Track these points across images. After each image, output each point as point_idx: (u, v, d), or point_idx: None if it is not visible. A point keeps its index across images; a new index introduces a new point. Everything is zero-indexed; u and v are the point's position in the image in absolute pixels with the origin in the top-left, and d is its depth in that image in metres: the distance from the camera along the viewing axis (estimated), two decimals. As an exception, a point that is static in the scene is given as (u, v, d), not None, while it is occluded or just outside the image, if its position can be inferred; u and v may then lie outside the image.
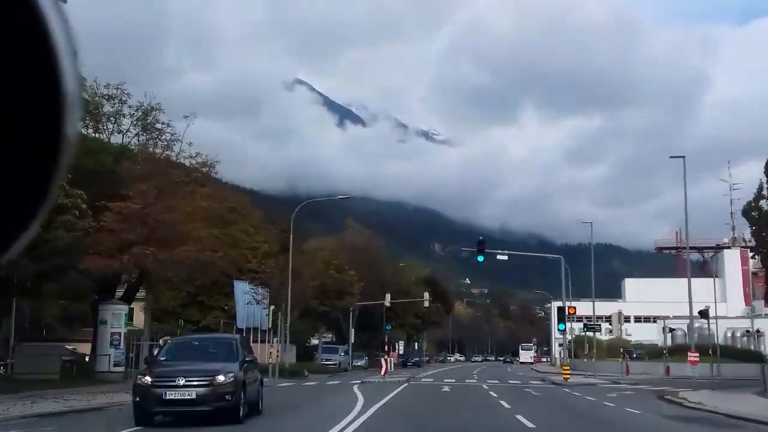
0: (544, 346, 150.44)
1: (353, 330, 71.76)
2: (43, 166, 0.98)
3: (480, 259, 38.99)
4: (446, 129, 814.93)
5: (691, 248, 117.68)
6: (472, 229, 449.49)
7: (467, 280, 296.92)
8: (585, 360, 78.38)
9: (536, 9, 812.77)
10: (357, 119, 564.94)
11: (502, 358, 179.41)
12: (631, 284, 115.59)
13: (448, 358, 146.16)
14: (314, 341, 75.22)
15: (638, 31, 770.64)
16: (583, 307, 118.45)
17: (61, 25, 0.95)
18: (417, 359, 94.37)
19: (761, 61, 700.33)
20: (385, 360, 49.53)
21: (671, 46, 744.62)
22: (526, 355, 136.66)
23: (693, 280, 51.09)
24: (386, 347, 71.56)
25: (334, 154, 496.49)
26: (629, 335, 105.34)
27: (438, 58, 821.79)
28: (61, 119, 0.97)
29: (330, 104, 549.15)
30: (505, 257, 53.35)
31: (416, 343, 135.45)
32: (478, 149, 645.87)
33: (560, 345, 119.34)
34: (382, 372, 46.73)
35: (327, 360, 59.89)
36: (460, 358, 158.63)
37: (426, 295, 72.87)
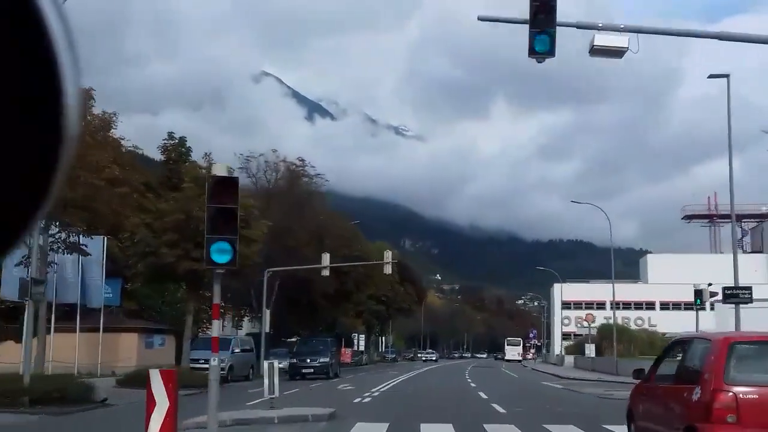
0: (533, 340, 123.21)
1: (268, 312, 43.65)
2: (43, 163, 0.94)
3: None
4: (417, 123, 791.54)
5: (726, 217, 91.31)
6: (441, 224, 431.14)
7: (438, 276, 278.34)
8: (617, 357, 50.85)
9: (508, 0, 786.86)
10: (326, 113, 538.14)
11: (482, 355, 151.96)
12: (655, 262, 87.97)
13: (420, 355, 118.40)
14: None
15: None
16: (584, 291, 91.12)
17: (60, 22, 0.91)
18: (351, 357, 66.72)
19: (732, 58, 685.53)
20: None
21: (643, 41, 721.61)
22: (512, 352, 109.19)
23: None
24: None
25: (302, 148, 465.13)
26: (654, 326, 78.51)
27: (409, 50, 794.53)
28: (60, 117, 0.92)
29: (299, 97, 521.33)
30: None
31: (381, 338, 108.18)
32: (449, 144, 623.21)
33: (564, 338, 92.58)
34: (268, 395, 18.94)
35: (200, 362, 30.52)
36: (432, 355, 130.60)
37: (388, 256, 44.64)
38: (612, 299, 55.33)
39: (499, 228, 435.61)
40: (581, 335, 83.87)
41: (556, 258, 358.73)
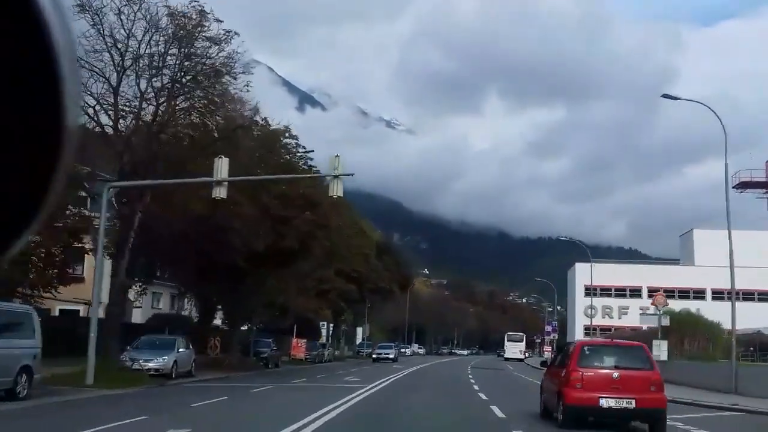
0: (535, 336, 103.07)
1: (109, 265, 22.86)
2: (44, 162, 0.93)
3: None
4: (408, 116, 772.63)
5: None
6: (430, 219, 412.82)
7: (426, 271, 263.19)
8: (736, 364, 30.16)
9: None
10: (317, 103, 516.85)
11: (472, 352, 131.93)
12: (704, 239, 66.90)
13: (404, 351, 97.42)
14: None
15: (605, 24, 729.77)
16: (610, 274, 69.75)
17: (58, 20, 0.89)
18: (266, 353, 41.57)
19: (725, 61, 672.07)
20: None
21: (638, 41, 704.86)
22: (514, 349, 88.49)
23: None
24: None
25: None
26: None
27: (402, 43, 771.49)
28: (60, 115, 0.91)
29: (289, 86, 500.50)
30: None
31: (359, 328, 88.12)
32: (440, 138, 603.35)
33: (586, 333, 71.85)
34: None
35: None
36: (419, 350, 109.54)
37: (335, 187, 23.25)
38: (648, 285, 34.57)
39: (488, 224, 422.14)
40: (610, 329, 63.01)
41: (544, 255, 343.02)
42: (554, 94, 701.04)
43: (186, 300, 49.65)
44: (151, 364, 26.47)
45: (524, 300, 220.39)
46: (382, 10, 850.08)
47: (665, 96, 27.90)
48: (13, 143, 0.89)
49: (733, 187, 67.16)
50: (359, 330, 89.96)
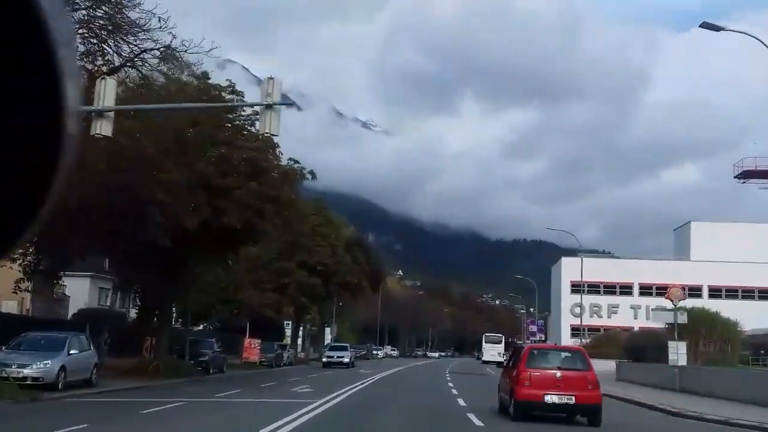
0: (515, 337, 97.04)
1: None
2: (44, 162, 0.92)
3: None
4: (384, 117, 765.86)
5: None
6: (406, 220, 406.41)
7: (400, 272, 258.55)
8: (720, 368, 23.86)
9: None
10: (293, 103, 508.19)
11: (447, 354, 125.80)
12: (702, 232, 60.74)
13: (376, 353, 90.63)
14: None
15: (582, 26, 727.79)
16: (598, 270, 62.70)
17: (59, 22, 0.88)
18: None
19: (699, 65, 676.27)
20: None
21: (614, 44, 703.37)
22: (492, 351, 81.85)
23: None
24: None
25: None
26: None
27: (379, 42, 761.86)
28: (60, 115, 0.90)
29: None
30: None
31: (328, 329, 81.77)
32: (416, 139, 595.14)
33: (573, 334, 65.09)
34: None
35: None
36: (392, 352, 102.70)
37: (267, 119, 16.65)
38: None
39: (463, 226, 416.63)
40: (599, 330, 56.85)
41: (519, 257, 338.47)
42: (530, 96, 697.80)
43: (125, 294, 42.60)
44: (27, 371, 19.54)
45: (498, 302, 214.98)
46: (360, 8, 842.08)
47: (705, 25, 21.45)
48: (13, 143, 0.87)
49: (735, 177, 61.45)
50: (328, 330, 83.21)
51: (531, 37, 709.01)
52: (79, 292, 49.27)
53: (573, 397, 15.91)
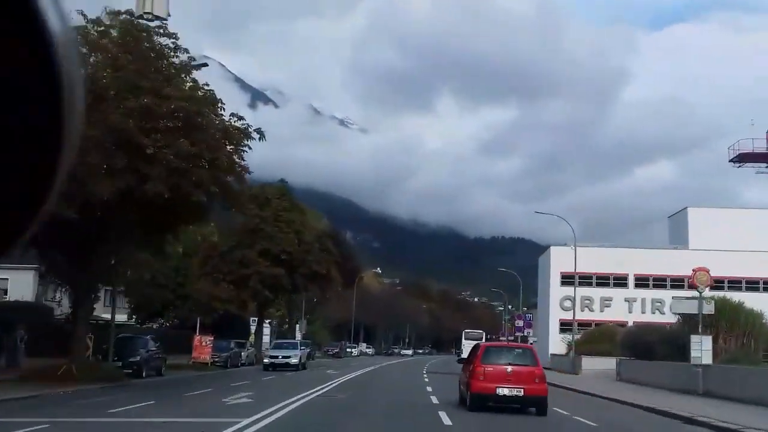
0: (500, 333, 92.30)
1: None
2: (44, 162, 0.91)
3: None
4: (361, 115, 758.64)
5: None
6: (383, 218, 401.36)
7: (378, 270, 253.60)
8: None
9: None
10: (269, 101, 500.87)
11: (424, 351, 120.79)
12: (701, 219, 55.74)
13: (350, 350, 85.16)
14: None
15: (559, 24, 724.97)
16: (589, 260, 55.91)
17: (59, 22, 0.87)
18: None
19: (673, 64, 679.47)
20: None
21: (591, 42, 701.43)
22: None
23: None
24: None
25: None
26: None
27: (355, 39, 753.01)
28: (60, 115, 0.89)
29: (241, 83, 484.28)
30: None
31: (297, 324, 76.55)
32: (393, 137, 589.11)
33: (563, 329, 59.27)
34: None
35: None
36: (368, 350, 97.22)
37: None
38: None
39: (441, 223, 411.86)
40: (590, 324, 51.92)
41: (498, 255, 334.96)
42: (507, 93, 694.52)
43: (47, 284, 36.81)
44: None
45: (476, 299, 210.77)
46: (334, 5, 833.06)
47: None
48: (13, 143, 0.87)
49: (731, 161, 56.74)
50: (298, 327, 77.63)
51: (508, 34, 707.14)
52: (24, 287, 43.59)
53: (522, 390, 17.33)
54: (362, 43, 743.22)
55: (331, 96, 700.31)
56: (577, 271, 49.83)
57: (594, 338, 45.82)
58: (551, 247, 55.49)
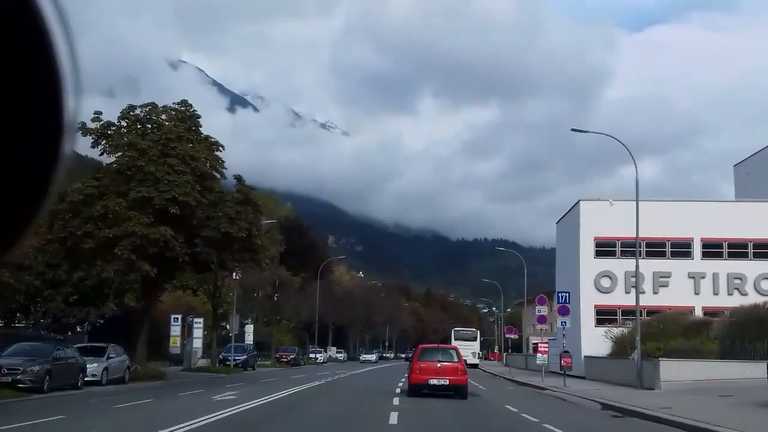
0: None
1: None
2: (43, 162, 0.90)
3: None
4: (342, 117, 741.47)
5: None
6: (366, 221, 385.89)
7: (360, 273, 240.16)
8: None
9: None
10: (248, 104, 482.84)
11: (405, 355, 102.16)
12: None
13: (314, 356, 67.40)
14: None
15: (540, 24, 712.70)
16: (632, 219, 37.83)
17: (59, 22, 0.86)
18: None
19: (654, 64, 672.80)
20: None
21: (572, 42, 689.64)
22: (464, 351, 58.91)
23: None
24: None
25: (221, 140, 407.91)
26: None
27: (335, 41, 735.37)
28: (60, 115, 0.89)
29: (220, 87, 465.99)
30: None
31: (248, 326, 60.07)
32: (374, 139, 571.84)
33: (599, 320, 40.45)
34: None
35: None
36: (338, 355, 79.24)
37: None
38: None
39: (424, 226, 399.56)
40: (635, 314, 34.65)
41: (480, 258, 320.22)
42: (488, 94, 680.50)
43: None
44: None
45: (461, 301, 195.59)
46: (314, 5, 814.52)
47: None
48: (12, 144, 0.85)
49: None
50: (248, 329, 59.99)
51: (489, 34, 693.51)
52: None
53: (447, 380, 22.36)
54: (342, 45, 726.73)
55: (312, 99, 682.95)
56: (614, 235, 32.58)
57: (658, 331, 28.74)
58: (580, 202, 38.05)
